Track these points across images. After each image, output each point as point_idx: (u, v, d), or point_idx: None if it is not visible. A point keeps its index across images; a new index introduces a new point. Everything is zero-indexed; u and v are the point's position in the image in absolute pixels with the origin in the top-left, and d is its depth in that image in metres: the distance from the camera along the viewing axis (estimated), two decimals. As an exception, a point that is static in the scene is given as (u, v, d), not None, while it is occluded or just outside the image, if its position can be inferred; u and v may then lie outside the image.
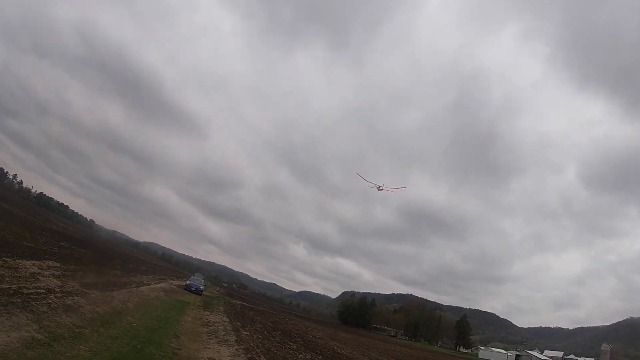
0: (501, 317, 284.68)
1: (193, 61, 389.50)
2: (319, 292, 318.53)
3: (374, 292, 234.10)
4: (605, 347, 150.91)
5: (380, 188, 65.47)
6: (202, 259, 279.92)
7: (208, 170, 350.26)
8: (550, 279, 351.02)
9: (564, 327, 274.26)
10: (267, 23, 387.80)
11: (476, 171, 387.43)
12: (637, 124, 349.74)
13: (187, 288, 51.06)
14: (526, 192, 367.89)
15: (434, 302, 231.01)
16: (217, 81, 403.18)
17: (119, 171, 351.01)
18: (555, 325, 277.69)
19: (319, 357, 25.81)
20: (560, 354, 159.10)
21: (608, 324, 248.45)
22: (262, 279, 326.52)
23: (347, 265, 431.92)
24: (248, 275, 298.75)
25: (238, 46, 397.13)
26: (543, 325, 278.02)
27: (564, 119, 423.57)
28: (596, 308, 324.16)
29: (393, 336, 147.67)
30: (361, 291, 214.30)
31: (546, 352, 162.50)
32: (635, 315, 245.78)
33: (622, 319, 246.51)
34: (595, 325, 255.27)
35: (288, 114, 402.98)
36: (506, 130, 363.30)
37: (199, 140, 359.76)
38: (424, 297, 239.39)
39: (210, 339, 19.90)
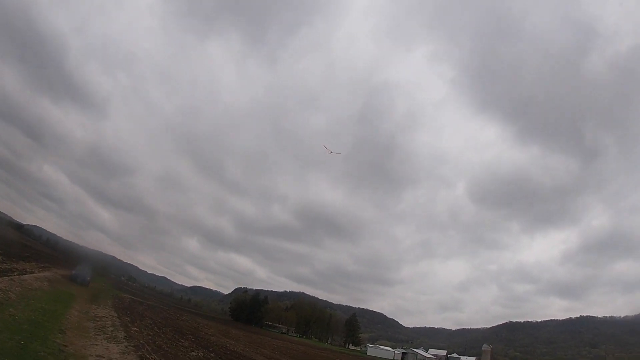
0: (389, 317, 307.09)
1: (103, 33, 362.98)
2: (212, 288, 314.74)
3: (267, 289, 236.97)
4: (485, 347, 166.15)
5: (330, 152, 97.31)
6: (89, 247, 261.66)
7: (103, 152, 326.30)
8: (436, 284, 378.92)
9: (448, 328, 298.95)
10: (187, 6, 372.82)
11: (373, 179, 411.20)
12: (525, 151, 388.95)
13: (73, 279, 48.29)
14: (418, 202, 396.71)
15: (325, 300, 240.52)
16: (124, 58, 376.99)
17: (5, 143, 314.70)
18: (439, 326, 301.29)
19: (212, 354, 26.13)
20: (443, 352, 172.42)
21: (489, 327, 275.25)
22: (152, 272, 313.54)
23: (242, 261, 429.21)
24: (138, 268, 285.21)
25: (153, 25, 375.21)
26: (428, 326, 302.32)
27: (460, 138, 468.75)
28: (478, 312, 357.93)
29: (284, 333, 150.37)
30: (254, 288, 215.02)
31: (430, 350, 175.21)
32: (513, 320, 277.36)
33: (501, 323, 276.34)
34: (476, 327, 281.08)
35: (195, 102, 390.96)
36: (405, 143, 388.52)
37: (97, 118, 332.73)
38: (316, 296, 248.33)
39: (98, 334, 19.37)
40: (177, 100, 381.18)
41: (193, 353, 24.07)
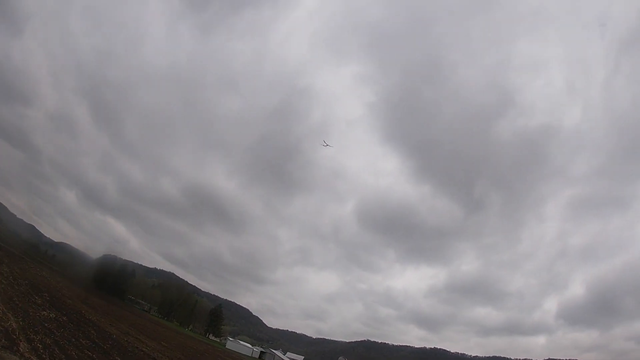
0: (254, 314, 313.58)
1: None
2: (80, 249, 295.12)
3: (137, 262, 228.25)
4: (341, 359, 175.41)
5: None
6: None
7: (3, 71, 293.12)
8: (305, 291, 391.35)
9: (309, 335, 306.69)
10: None
11: (270, 177, 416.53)
12: (417, 188, 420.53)
13: None
14: (306, 209, 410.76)
15: (194, 286, 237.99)
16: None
17: None
18: (301, 332, 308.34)
19: (64, 317, 25.96)
20: (301, 357, 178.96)
21: (347, 341, 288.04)
22: (21, 217, 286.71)
23: (117, 228, 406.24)
24: (7, 209, 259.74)
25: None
26: (290, 330, 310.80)
27: (361, 160, 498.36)
28: (340, 325, 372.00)
29: (146, 311, 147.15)
30: (124, 258, 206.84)
31: (289, 353, 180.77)
32: (371, 339, 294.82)
33: (360, 339, 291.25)
34: (336, 339, 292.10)
35: (113, 47, 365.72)
36: (310, 150, 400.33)
37: (9, 33, 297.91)
38: (186, 279, 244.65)
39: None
40: (95, 39, 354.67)
41: (44, 312, 23.91)
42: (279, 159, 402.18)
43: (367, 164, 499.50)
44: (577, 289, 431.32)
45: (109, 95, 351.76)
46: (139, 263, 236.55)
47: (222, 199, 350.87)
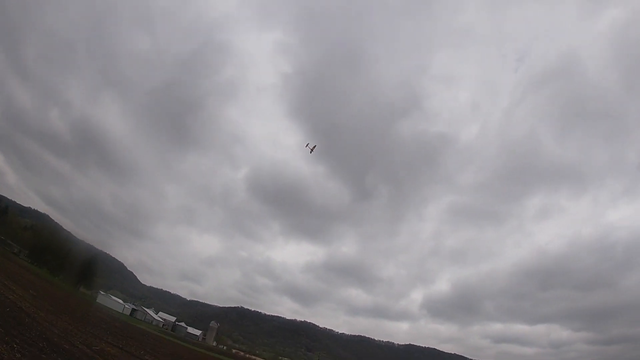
0: (128, 269, 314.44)
1: None
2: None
3: (11, 198, 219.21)
4: (213, 324, 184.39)
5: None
6: None
7: None
8: (185, 252, 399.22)
9: (183, 296, 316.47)
10: None
11: (168, 127, 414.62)
12: (313, 167, 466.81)
13: None
14: (199, 168, 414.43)
15: (69, 232, 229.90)
16: None
17: None
18: (175, 292, 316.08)
19: None
20: (173, 318, 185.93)
21: (221, 306, 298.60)
22: None
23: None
24: None
25: None
26: (165, 289, 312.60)
27: (265, 129, 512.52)
28: (215, 289, 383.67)
29: (16, 254, 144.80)
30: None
31: (161, 313, 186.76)
32: (245, 306, 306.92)
33: (233, 305, 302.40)
34: (210, 303, 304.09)
35: None
36: (215, 108, 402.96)
37: None
38: (60, 224, 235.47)
39: None
40: None
41: None
42: (181, 110, 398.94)
43: (268, 134, 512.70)
44: (443, 285, 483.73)
45: (11, 5, 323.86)
46: (13, 200, 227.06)
47: (112, 142, 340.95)
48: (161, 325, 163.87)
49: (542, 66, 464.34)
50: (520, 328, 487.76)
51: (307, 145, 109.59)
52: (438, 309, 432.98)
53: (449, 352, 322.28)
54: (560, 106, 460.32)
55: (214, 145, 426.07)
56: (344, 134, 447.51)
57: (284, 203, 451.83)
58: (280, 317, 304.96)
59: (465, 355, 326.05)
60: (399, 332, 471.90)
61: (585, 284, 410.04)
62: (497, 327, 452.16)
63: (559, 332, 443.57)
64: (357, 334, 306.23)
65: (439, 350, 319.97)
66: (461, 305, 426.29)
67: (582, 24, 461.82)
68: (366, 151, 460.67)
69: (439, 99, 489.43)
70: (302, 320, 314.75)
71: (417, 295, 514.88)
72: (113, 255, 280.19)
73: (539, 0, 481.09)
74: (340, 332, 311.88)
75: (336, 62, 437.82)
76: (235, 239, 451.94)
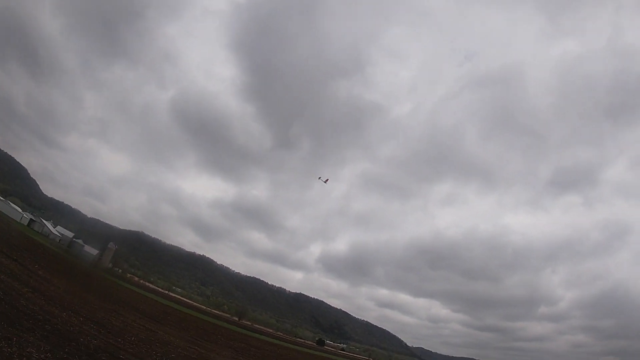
0: (32, 176, 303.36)
1: None
2: None
3: None
4: (111, 245, 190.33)
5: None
6: None
7: None
8: (93, 166, 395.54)
9: (84, 213, 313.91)
10: None
11: (99, 30, 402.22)
12: (241, 105, 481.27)
13: None
14: (124, 81, 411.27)
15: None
16: None
17: None
18: (76, 207, 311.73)
19: None
20: (70, 234, 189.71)
21: (121, 228, 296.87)
22: None
23: None
24: None
25: None
26: (66, 202, 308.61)
27: (200, 54, 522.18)
28: (118, 211, 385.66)
29: None
30: None
31: (59, 227, 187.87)
32: (146, 232, 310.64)
33: (134, 230, 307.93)
34: (111, 224, 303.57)
35: None
36: (152, 19, 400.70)
37: None
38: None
39: None
40: None
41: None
42: (117, 16, 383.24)
43: (203, 60, 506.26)
44: (341, 245, 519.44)
45: None
46: None
47: (35, 36, 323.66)
48: (58, 241, 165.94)
49: (487, 69, 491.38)
50: (404, 298, 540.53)
51: (319, 178, 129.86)
52: (332, 266, 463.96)
53: (336, 306, 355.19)
54: (491, 110, 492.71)
55: (144, 60, 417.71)
56: (280, 79, 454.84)
57: (204, 135, 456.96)
58: (180, 248, 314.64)
59: (350, 312, 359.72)
60: (292, 280, 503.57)
61: (471, 273, 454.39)
62: (383, 292, 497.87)
63: (439, 309, 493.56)
64: (252, 276, 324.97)
65: (327, 304, 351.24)
66: (355, 266, 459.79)
67: (537, 44, 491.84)
68: (298, 101, 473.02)
69: (381, 70, 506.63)
70: (201, 254, 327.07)
71: (315, 249, 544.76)
72: (17, 159, 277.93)
73: (506, 9, 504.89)
74: (236, 271, 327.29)
75: (292, 5, 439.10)
76: (148, 163, 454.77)
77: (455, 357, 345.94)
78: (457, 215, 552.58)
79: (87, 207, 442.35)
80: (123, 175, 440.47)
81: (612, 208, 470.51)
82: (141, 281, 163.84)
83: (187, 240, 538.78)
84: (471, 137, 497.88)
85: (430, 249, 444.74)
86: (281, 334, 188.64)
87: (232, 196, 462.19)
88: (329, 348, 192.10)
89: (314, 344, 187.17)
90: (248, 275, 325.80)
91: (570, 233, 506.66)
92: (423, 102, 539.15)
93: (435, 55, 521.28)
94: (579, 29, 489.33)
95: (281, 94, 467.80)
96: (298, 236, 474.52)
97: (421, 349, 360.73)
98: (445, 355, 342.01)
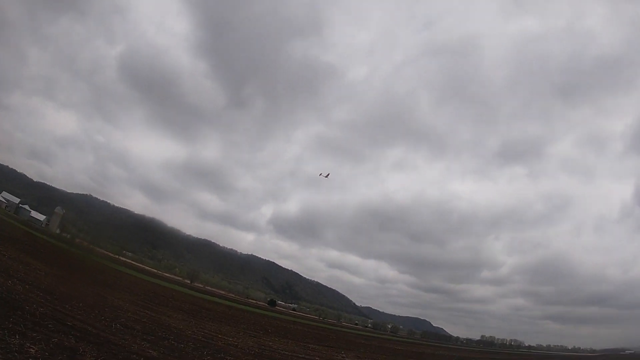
0: None
1: None
2: None
3: None
4: (58, 210, 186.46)
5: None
6: None
7: None
8: (38, 127, 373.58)
9: (29, 176, 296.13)
10: None
11: None
12: (193, 62, 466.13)
13: None
14: (71, 34, 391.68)
15: None
16: None
17: None
18: (21, 171, 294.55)
19: None
20: (17, 200, 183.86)
21: (69, 192, 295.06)
22: None
23: None
24: None
25: None
26: (11, 166, 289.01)
27: (151, 7, 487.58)
28: (66, 174, 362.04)
29: None
30: None
31: (4, 193, 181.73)
32: (94, 195, 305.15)
33: (82, 193, 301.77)
34: (58, 187, 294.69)
35: None
36: None
37: None
38: None
39: None
40: None
41: None
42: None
43: (155, 12, 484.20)
44: (293, 206, 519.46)
45: None
46: None
47: None
48: (4, 207, 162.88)
49: (445, 39, 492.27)
50: (353, 259, 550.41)
51: (320, 174, 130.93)
52: (284, 227, 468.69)
53: (287, 267, 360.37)
54: (446, 79, 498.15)
55: (92, 11, 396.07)
56: (235, 36, 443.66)
57: (154, 92, 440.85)
58: (129, 210, 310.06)
59: (300, 273, 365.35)
60: (243, 242, 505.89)
61: (418, 236, 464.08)
62: (333, 253, 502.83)
63: (387, 270, 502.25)
64: (203, 238, 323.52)
65: (278, 265, 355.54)
66: (305, 228, 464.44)
67: (496, 19, 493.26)
68: (253, 60, 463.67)
69: (339, 32, 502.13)
70: (152, 217, 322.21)
71: (267, 211, 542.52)
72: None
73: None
74: (187, 233, 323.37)
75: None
76: (95, 122, 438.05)
77: (402, 316, 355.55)
78: (406, 180, 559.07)
79: (33, 170, 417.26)
80: (69, 135, 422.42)
81: (555, 182, 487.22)
82: (91, 246, 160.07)
83: (136, 203, 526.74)
84: (424, 104, 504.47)
85: (380, 212, 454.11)
86: (233, 295, 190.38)
87: (183, 156, 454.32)
88: (281, 308, 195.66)
89: (266, 304, 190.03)
90: (199, 237, 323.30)
91: (514, 202, 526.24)
92: (379, 66, 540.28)
93: (394, 21, 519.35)
94: (539, 9, 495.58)
95: (235, 51, 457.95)
96: (250, 197, 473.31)
97: (369, 308, 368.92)
98: (392, 315, 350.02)
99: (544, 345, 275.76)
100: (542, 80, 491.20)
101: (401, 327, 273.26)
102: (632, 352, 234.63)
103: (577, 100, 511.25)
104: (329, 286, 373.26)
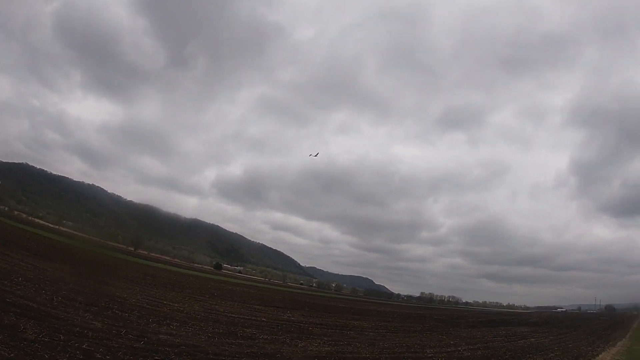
0: None
1: None
2: None
3: None
4: None
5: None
6: None
7: None
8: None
9: None
10: None
11: None
12: (133, 18, 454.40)
13: None
14: None
15: None
16: None
17: None
18: None
19: None
20: None
21: (4, 161, 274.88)
22: None
23: None
24: None
25: None
26: None
27: None
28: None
29: None
30: None
31: None
32: (30, 163, 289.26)
33: (18, 161, 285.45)
34: None
35: None
36: None
37: None
38: None
39: None
40: None
41: None
42: None
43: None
44: (236, 169, 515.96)
45: None
46: None
47: None
48: None
49: (394, 4, 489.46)
50: (297, 220, 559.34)
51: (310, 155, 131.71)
52: (227, 190, 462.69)
53: (231, 230, 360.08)
54: (393, 44, 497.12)
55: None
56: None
57: (91, 52, 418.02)
58: (67, 177, 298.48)
59: (245, 236, 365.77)
60: (186, 206, 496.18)
61: (361, 198, 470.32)
62: (277, 215, 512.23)
63: (330, 231, 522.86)
64: (145, 203, 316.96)
65: (222, 228, 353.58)
66: (249, 190, 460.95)
67: None
68: (195, 17, 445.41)
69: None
70: (91, 183, 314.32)
71: (210, 174, 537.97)
72: None
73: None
74: (129, 199, 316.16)
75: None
76: (29, 84, 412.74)
77: (345, 275, 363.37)
78: (350, 143, 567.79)
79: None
80: (2, 100, 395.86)
81: (494, 149, 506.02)
82: (29, 218, 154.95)
83: (74, 169, 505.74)
84: (371, 68, 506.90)
85: (323, 174, 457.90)
86: (178, 260, 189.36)
87: (121, 119, 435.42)
88: (227, 272, 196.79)
89: (212, 268, 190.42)
90: (141, 202, 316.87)
91: (454, 167, 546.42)
92: (327, 28, 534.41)
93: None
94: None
95: (177, 7, 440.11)
96: (192, 161, 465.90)
97: (314, 268, 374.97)
98: (336, 274, 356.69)
99: (480, 302, 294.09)
100: (488, 51, 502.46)
101: (345, 285, 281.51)
102: (564, 310, 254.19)
103: (520, 73, 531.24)
104: (274, 248, 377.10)
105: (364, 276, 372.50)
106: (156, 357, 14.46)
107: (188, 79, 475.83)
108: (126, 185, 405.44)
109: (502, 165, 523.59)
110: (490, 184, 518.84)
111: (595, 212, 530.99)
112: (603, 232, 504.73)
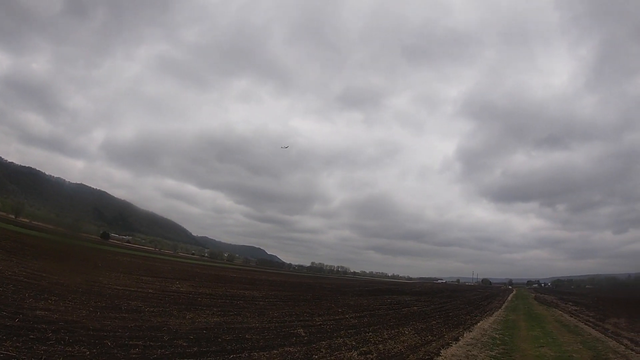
0: None
1: None
2: None
3: None
4: None
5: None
6: None
7: None
8: None
9: None
10: None
11: None
12: None
13: None
14: None
15: None
16: None
17: None
18: None
19: None
20: None
21: None
22: None
23: None
24: None
25: None
26: None
27: None
28: None
29: None
30: None
31: None
32: None
33: None
34: None
35: None
36: None
37: None
38: None
39: None
40: None
41: None
42: None
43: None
44: (128, 131, 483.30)
45: None
46: None
47: None
48: None
49: None
50: (191, 188, 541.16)
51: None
52: (117, 154, 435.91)
53: (119, 197, 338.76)
54: (303, 18, 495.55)
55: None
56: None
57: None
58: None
59: (134, 203, 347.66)
60: (72, 170, 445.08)
61: (256, 168, 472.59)
62: (170, 182, 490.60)
63: (223, 201, 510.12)
64: (27, 165, 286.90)
65: (109, 194, 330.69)
66: (141, 155, 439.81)
67: None
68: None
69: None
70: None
71: (99, 135, 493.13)
72: None
73: None
74: (9, 160, 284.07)
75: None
76: None
77: (238, 245, 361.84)
78: (249, 112, 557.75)
79: None
80: None
81: (389, 130, 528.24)
82: None
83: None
84: (277, 38, 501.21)
85: (220, 142, 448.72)
86: (62, 229, 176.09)
87: (5, 69, 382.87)
88: (114, 241, 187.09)
89: (98, 237, 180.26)
90: (23, 164, 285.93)
91: (349, 144, 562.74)
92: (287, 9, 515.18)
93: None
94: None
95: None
96: (80, 120, 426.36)
97: (206, 238, 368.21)
98: (229, 244, 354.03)
99: (368, 272, 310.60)
100: (394, 38, 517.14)
101: (237, 255, 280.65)
102: (444, 281, 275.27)
103: (421, 62, 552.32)
104: (165, 216, 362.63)
105: (257, 246, 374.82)
106: (31, 336, 13.75)
107: (84, 29, 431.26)
108: (7, 144, 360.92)
109: (394, 146, 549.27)
110: (382, 162, 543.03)
111: (476, 196, 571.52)
112: (482, 214, 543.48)
